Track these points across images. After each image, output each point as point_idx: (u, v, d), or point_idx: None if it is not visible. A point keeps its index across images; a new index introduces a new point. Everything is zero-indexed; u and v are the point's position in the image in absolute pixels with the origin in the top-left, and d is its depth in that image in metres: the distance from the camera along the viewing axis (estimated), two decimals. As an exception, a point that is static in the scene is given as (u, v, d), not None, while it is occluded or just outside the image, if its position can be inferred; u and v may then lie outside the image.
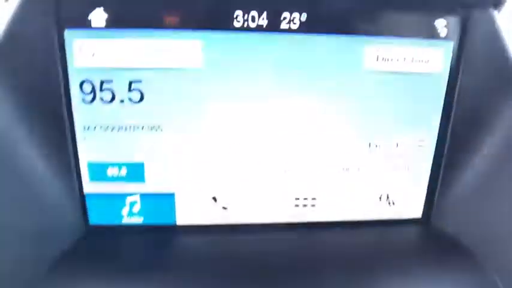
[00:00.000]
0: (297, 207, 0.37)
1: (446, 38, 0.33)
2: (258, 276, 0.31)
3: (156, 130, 0.33)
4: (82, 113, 0.32)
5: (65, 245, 0.33)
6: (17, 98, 0.30)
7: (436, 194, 0.37)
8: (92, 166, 0.34)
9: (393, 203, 0.38)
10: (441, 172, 0.37)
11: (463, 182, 0.36)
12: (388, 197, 0.37)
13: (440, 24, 0.32)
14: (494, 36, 0.32)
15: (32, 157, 0.31)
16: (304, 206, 0.37)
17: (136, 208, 0.35)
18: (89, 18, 0.30)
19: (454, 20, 0.32)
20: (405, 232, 0.38)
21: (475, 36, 0.32)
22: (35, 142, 0.31)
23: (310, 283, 0.30)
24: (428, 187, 0.37)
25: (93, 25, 0.30)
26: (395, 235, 0.38)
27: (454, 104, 0.34)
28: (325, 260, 0.34)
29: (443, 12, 0.32)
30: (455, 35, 0.33)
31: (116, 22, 0.30)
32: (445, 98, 0.34)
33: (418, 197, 0.38)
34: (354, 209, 0.37)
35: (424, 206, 0.38)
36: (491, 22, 0.32)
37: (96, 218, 0.35)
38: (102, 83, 0.32)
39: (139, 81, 0.32)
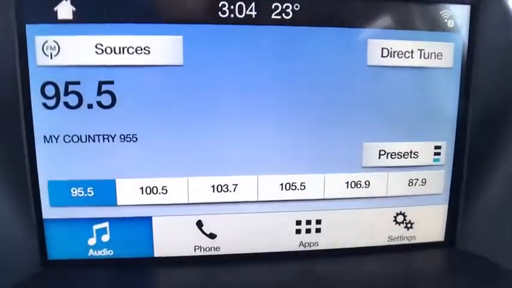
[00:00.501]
0: (298, 234, 0.31)
1: (454, 29, 0.30)
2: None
3: (130, 140, 0.28)
4: (43, 120, 0.27)
5: (16, 285, 0.26)
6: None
7: (460, 211, 0.32)
8: (53, 186, 0.28)
9: (411, 224, 0.32)
10: (463, 185, 0.32)
11: (490, 195, 0.31)
12: (404, 217, 0.32)
13: (447, 14, 0.29)
14: (508, 24, 0.29)
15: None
16: (308, 231, 0.31)
17: (106, 238, 0.29)
18: (54, 11, 0.27)
19: (462, 9, 0.29)
20: (428, 258, 0.32)
21: (486, 26, 0.29)
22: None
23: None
24: (449, 204, 0.32)
25: (58, 19, 0.27)
26: (416, 262, 0.32)
27: (471, 104, 0.30)
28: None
29: (450, 0, 0.29)
30: (465, 26, 0.30)
31: (84, 16, 0.27)
32: (460, 97, 0.30)
33: (439, 216, 0.32)
34: (366, 233, 0.32)
35: (447, 226, 0.32)
36: (503, 8, 0.29)
37: (56, 251, 0.29)
38: (67, 84, 0.27)
39: (111, 83, 0.27)
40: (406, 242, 0.32)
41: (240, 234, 0.30)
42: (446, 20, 0.29)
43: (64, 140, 0.28)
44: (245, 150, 0.29)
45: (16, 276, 0.27)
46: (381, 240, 0.32)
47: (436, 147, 0.31)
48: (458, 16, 0.30)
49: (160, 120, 0.28)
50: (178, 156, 0.29)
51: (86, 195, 0.28)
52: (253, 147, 0.29)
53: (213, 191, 0.29)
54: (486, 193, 0.31)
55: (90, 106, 0.27)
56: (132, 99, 0.28)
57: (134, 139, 0.28)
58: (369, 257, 0.32)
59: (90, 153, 0.28)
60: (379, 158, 0.31)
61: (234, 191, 0.29)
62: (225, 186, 0.29)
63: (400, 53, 0.29)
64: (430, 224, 0.33)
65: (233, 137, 0.29)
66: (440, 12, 0.29)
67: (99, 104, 0.28)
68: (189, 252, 0.30)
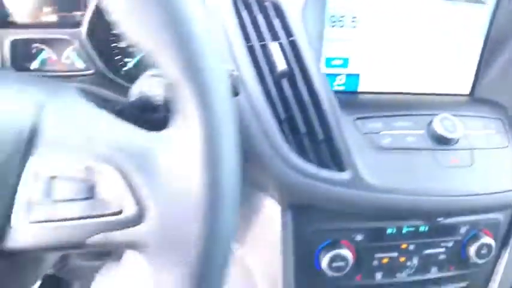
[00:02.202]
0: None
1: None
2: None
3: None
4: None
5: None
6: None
7: (480, 74, 0.75)
8: (328, 60, 0.68)
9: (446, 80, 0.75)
10: (483, 59, 0.74)
11: (499, 67, 0.73)
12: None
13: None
14: None
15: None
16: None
17: (342, 81, 0.71)
18: None
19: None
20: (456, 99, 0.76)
21: None
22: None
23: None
24: (476, 69, 0.75)
25: None
26: (449, 100, 0.76)
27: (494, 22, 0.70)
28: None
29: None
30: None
31: None
32: (490, 18, 0.70)
33: (468, 76, 0.76)
34: (426, 83, 0.74)
35: (473, 83, 0.76)
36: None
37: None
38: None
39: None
40: (444, 91, 0.76)
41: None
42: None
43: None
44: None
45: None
46: (430, 90, 0.76)
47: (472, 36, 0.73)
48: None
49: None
50: (372, 46, 0.69)
51: (338, 63, 0.69)
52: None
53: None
54: (497, 66, 0.73)
55: (347, 27, 0.66)
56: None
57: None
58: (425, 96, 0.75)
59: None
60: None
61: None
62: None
63: None
64: (460, 81, 0.76)
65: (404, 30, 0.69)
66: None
67: (351, 26, 0.66)
68: (381, 89, 0.73)
